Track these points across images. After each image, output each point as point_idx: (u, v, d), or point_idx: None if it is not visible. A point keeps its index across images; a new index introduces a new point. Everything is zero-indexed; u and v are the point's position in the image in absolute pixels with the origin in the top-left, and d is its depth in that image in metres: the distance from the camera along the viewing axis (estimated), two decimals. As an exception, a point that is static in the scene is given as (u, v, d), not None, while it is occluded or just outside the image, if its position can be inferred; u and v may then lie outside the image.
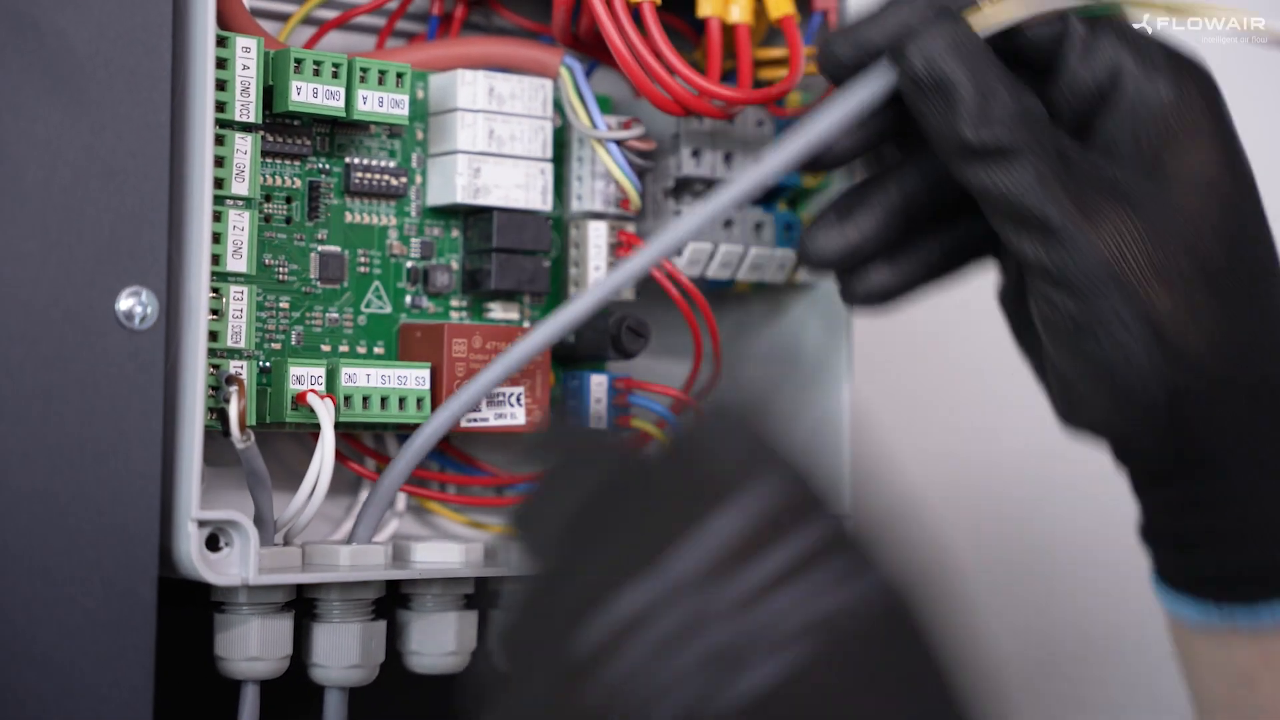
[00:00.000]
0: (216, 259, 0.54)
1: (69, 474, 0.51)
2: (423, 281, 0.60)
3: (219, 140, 0.54)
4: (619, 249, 0.62)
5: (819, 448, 0.66)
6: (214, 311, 0.54)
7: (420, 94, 0.60)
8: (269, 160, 0.57)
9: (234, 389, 0.53)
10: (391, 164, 0.59)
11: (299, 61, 0.56)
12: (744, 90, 0.60)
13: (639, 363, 0.64)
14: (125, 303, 0.52)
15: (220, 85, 0.54)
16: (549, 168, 0.61)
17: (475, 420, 0.58)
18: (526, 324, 0.62)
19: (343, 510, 0.61)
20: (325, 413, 0.55)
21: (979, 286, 0.63)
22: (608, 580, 0.40)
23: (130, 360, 0.52)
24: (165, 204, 0.52)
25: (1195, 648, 0.58)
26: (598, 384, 0.61)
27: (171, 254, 0.53)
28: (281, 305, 0.57)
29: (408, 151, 0.60)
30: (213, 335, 0.54)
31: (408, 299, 0.60)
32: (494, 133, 0.60)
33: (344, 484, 0.61)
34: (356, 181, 0.59)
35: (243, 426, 0.53)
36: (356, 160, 0.59)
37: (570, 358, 0.62)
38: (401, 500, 0.62)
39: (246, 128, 0.55)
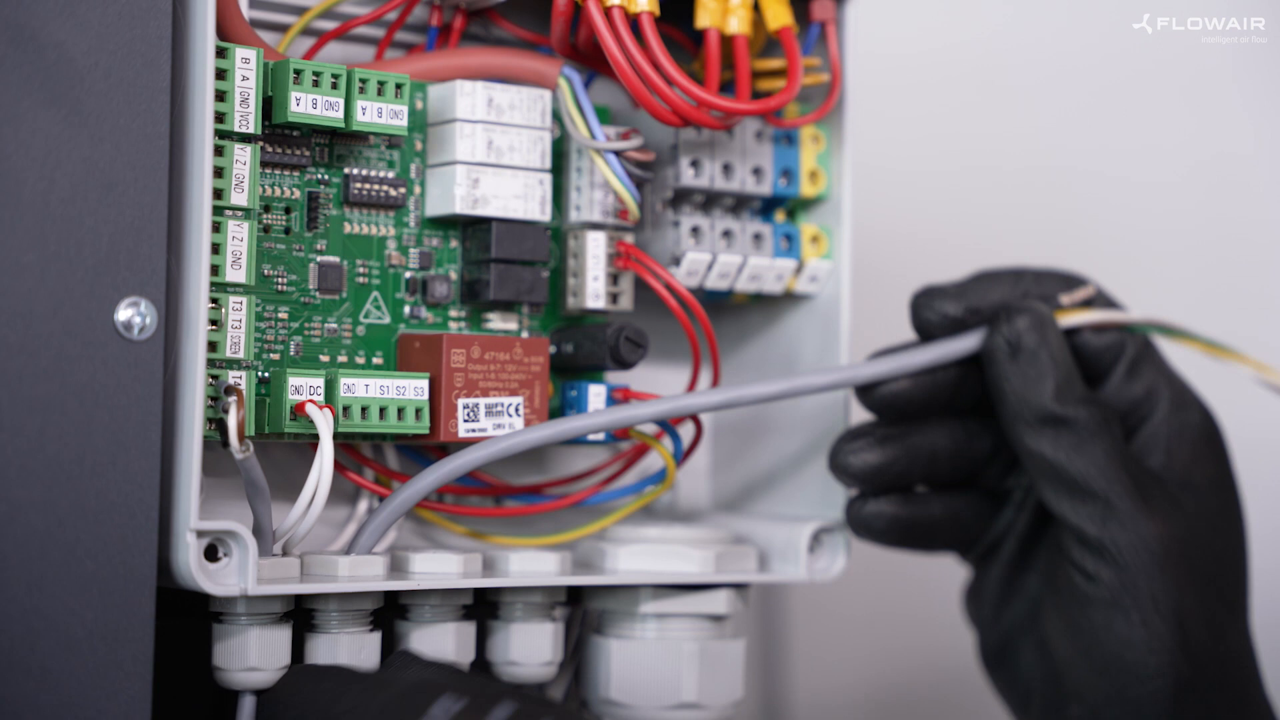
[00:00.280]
0: (215, 269, 0.54)
1: (67, 484, 0.51)
2: (421, 292, 0.60)
3: (218, 151, 0.54)
4: (617, 259, 0.62)
5: (817, 461, 0.66)
6: (213, 322, 0.54)
7: (419, 105, 0.60)
8: (268, 171, 0.57)
9: (233, 399, 0.53)
10: (390, 174, 0.59)
11: (298, 72, 0.56)
12: (742, 101, 0.60)
13: (637, 373, 0.64)
14: (124, 313, 0.52)
15: (219, 96, 0.54)
16: (548, 178, 0.61)
17: (474, 431, 0.58)
18: (525, 334, 0.62)
19: (341, 520, 0.61)
20: (324, 423, 0.55)
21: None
22: None
23: (129, 371, 0.52)
24: (164, 214, 0.52)
25: None
26: (596, 394, 0.61)
27: (170, 264, 0.53)
28: (280, 315, 0.58)
29: (406, 162, 0.60)
30: (211, 345, 0.54)
31: (406, 309, 0.60)
32: (493, 143, 0.60)
33: (342, 494, 0.61)
34: (355, 192, 0.59)
35: (241, 437, 0.53)
36: (355, 171, 0.59)
37: (569, 368, 0.62)
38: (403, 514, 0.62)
39: (246, 138, 0.55)
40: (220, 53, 0.54)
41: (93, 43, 0.51)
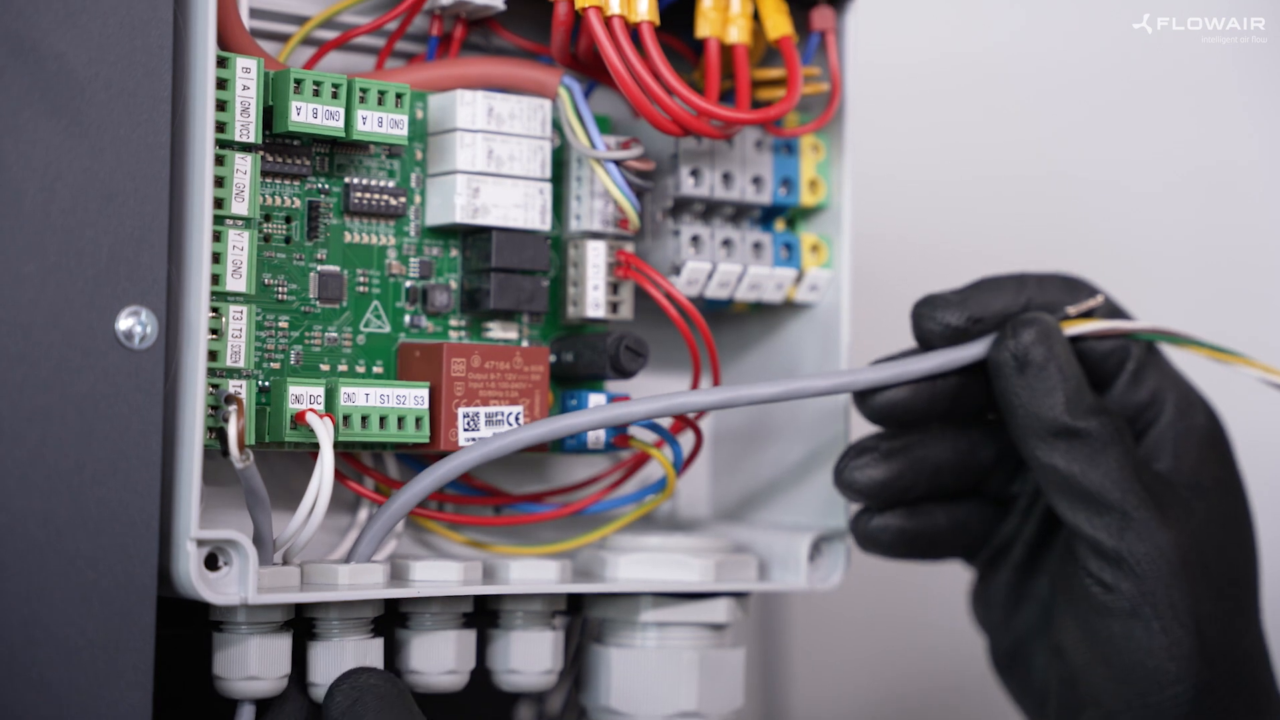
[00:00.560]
0: (216, 279, 0.54)
1: (68, 493, 0.51)
2: (422, 301, 0.60)
3: (219, 160, 0.54)
4: (618, 268, 0.62)
5: (817, 470, 0.66)
6: (213, 331, 0.55)
7: (419, 114, 0.60)
8: (268, 180, 0.57)
9: (233, 408, 0.53)
10: (391, 184, 0.60)
11: (299, 82, 0.56)
12: (742, 110, 0.60)
13: (637, 382, 0.64)
14: (125, 322, 0.52)
15: (220, 106, 0.54)
16: (548, 187, 0.61)
17: (474, 440, 0.58)
18: (525, 343, 0.62)
19: (342, 529, 0.61)
20: (324, 432, 0.55)
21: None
22: None
23: (129, 380, 0.52)
24: (165, 224, 0.52)
25: None
26: (596, 403, 0.61)
27: (171, 274, 0.53)
28: (281, 325, 0.58)
29: (407, 171, 0.60)
30: (212, 355, 0.54)
31: (407, 318, 0.60)
32: (493, 153, 0.60)
33: (343, 503, 0.61)
34: (356, 201, 0.59)
35: (241, 446, 0.53)
36: (356, 180, 0.59)
37: (569, 377, 0.62)
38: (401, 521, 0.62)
39: (246, 148, 0.55)
40: (221, 62, 0.54)
41: (93, 53, 0.51)
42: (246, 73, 0.55)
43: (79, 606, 0.51)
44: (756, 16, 0.62)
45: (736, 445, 0.69)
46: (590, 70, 0.62)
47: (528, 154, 0.60)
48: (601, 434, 0.62)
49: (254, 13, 0.59)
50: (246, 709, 0.56)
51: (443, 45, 0.62)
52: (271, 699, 0.56)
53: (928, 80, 0.92)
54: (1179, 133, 0.97)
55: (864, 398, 0.62)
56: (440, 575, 0.58)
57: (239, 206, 0.55)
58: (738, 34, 0.61)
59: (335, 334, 0.59)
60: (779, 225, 0.66)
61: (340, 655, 0.57)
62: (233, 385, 0.55)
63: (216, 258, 0.54)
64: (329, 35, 0.60)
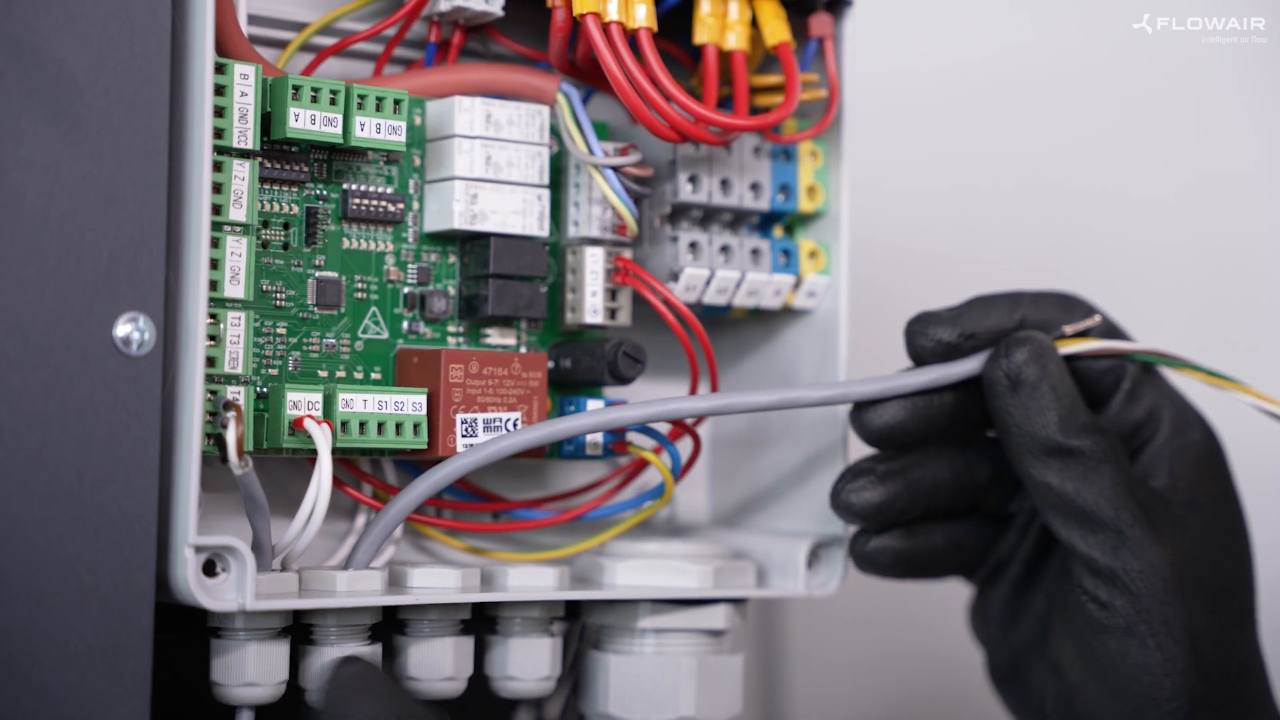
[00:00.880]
0: (214, 285, 0.54)
1: (66, 499, 0.51)
2: (420, 307, 0.60)
3: (217, 166, 0.54)
4: (616, 275, 0.62)
5: (815, 476, 0.66)
6: (211, 337, 0.55)
7: (418, 120, 0.60)
8: (267, 186, 0.57)
9: (231, 414, 0.53)
10: (389, 190, 0.60)
11: (297, 88, 0.56)
12: (740, 116, 0.60)
13: (635, 388, 0.64)
14: (123, 328, 0.52)
15: (218, 112, 0.54)
16: (546, 194, 0.61)
17: (471, 445, 0.58)
18: (523, 349, 0.62)
19: (340, 535, 0.61)
20: (322, 438, 0.55)
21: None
22: None
23: (127, 386, 0.52)
24: (163, 230, 0.52)
25: None
26: (594, 409, 0.61)
27: (169, 280, 0.53)
28: (279, 331, 0.58)
29: (405, 178, 0.60)
30: (210, 361, 0.54)
31: (405, 324, 0.60)
32: (491, 159, 0.60)
33: (341, 509, 0.61)
34: (354, 207, 0.59)
35: (240, 452, 0.53)
36: (354, 186, 0.59)
37: (567, 383, 0.62)
38: (398, 526, 0.62)
39: (244, 154, 0.55)
40: (219, 69, 0.54)
41: (93, 59, 0.51)
42: (244, 79, 0.55)
43: (77, 612, 0.51)
44: (755, 23, 0.62)
45: (734, 451, 0.69)
46: (588, 77, 0.62)
47: (526, 160, 0.60)
48: (600, 440, 0.62)
49: (252, 19, 0.59)
50: (245, 715, 0.56)
51: (441, 51, 0.62)
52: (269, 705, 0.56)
53: (925, 86, 0.92)
54: (1178, 136, 0.97)
55: (861, 421, 0.62)
56: (438, 582, 0.58)
57: (237, 213, 0.55)
58: (736, 40, 0.61)
59: (333, 340, 0.59)
60: (777, 231, 0.66)
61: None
62: (231, 391, 0.55)
63: (214, 264, 0.54)
64: (327, 41, 0.60)
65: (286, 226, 0.58)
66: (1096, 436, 0.60)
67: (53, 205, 0.51)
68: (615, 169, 0.61)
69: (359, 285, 0.59)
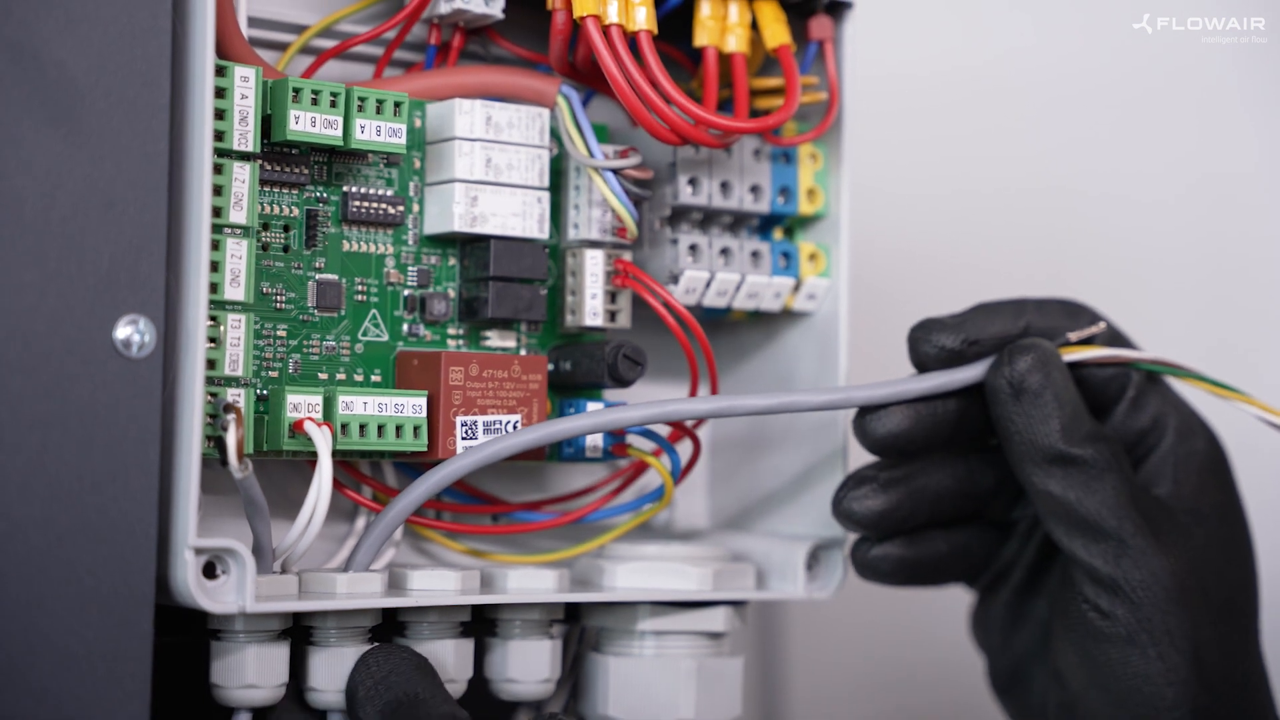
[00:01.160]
0: (214, 287, 0.54)
1: (66, 501, 0.51)
2: (420, 309, 0.60)
3: (217, 169, 0.54)
4: (616, 277, 0.62)
5: (815, 479, 0.66)
6: (211, 339, 0.55)
7: (418, 123, 0.60)
8: (267, 189, 0.57)
9: (231, 417, 0.53)
10: (389, 192, 0.60)
11: (297, 90, 0.56)
12: (740, 119, 0.60)
13: (635, 390, 0.64)
14: (123, 331, 0.52)
15: (219, 114, 0.54)
16: (546, 196, 0.61)
17: (471, 448, 0.58)
18: (523, 352, 0.62)
19: (340, 537, 0.61)
20: (323, 441, 0.55)
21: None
22: None
23: (128, 388, 0.52)
24: (163, 232, 0.52)
25: None
26: (593, 411, 0.61)
27: (169, 282, 0.53)
28: (279, 333, 0.58)
29: (405, 180, 0.60)
30: (210, 363, 0.54)
31: (405, 327, 0.60)
32: (491, 161, 0.60)
33: (341, 512, 0.61)
34: (354, 210, 0.59)
35: (240, 455, 0.53)
36: (354, 189, 0.59)
37: (567, 385, 0.62)
38: (398, 528, 0.62)
39: (245, 156, 0.55)
40: (219, 71, 0.54)
41: (93, 61, 0.51)
42: (245, 81, 0.55)
43: (77, 614, 0.51)
44: (755, 26, 0.62)
45: (734, 454, 0.69)
46: (588, 79, 0.62)
47: (526, 163, 0.60)
48: (600, 442, 0.62)
49: (252, 21, 0.59)
50: (244, 717, 0.56)
51: (441, 54, 0.62)
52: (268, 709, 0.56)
53: (925, 89, 0.92)
54: (1178, 138, 0.97)
55: (864, 429, 0.62)
56: (438, 584, 0.58)
57: (237, 215, 0.55)
58: (736, 43, 0.61)
59: (334, 342, 0.59)
60: (777, 234, 0.66)
61: (338, 663, 0.57)
62: (231, 394, 0.55)
63: (215, 266, 0.54)
64: (327, 44, 0.60)
65: (287, 229, 0.58)
66: (1099, 445, 0.60)
67: (53, 208, 0.51)
68: (615, 171, 0.61)
69: (359, 287, 0.59)
